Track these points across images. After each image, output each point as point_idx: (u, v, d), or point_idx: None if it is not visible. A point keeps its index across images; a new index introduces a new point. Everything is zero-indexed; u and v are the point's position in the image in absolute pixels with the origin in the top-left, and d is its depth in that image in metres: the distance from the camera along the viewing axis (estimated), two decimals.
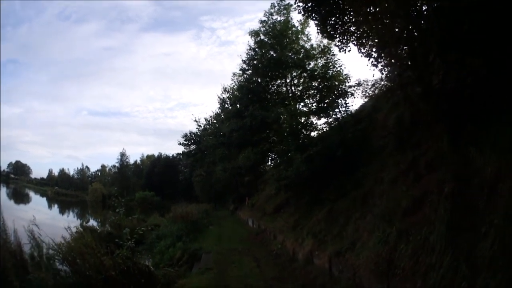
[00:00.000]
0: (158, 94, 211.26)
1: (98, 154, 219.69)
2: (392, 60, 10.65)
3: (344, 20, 17.51)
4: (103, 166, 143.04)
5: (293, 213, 20.20)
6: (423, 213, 8.37)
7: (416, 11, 9.62)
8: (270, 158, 34.84)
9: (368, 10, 15.00)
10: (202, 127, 60.75)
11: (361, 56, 19.47)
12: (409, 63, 9.43)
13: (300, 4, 17.69)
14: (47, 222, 24.24)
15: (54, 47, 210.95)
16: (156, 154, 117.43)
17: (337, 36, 18.15)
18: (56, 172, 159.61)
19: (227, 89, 46.56)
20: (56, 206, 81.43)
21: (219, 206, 56.82)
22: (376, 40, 16.04)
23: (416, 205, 8.87)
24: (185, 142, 63.78)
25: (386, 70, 13.89)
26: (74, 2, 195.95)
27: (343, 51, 18.44)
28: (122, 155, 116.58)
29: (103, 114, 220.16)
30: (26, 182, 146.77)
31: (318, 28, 18.12)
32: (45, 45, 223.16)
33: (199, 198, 65.09)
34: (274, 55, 27.01)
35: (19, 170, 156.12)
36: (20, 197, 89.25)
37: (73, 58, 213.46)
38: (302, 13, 17.88)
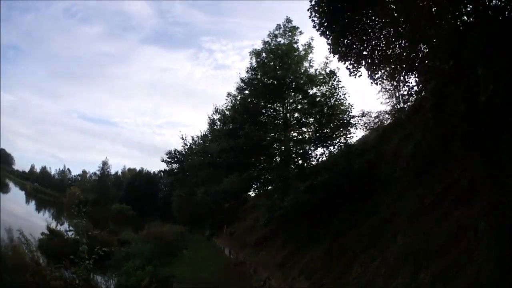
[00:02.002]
0: (149, 109, 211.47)
1: (82, 159, 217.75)
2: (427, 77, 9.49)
3: (361, 42, 16.86)
4: (84, 172, 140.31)
5: (282, 248, 18.71)
6: (458, 251, 7.07)
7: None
8: (256, 186, 33.21)
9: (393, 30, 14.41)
10: (188, 146, 60.51)
11: (372, 83, 18.98)
12: (451, 78, 8.28)
13: (315, 19, 16.96)
14: (23, 216, 23.49)
15: (56, 42, 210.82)
16: (138, 169, 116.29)
17: (350, 58, 17.38)
18: (38, 168, 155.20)
19: (218, 110, 45.84)
20: (33, 202, 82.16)
21: (195, 230, 55.15)
22: (398, 64, 15.53)
23: (449, 243, 7.51)
24: (168, 160, 64.06)
25: (411, 91, 13.07)
26: (81, 1, 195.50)
27: (353, 75, 17.66)
28: (104, 163, 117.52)
29: (92, 120, 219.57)
30: (7, 172, 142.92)
31: (331, 47, 17.28)
32: (48, 38, 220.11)
33: (175, 218, 64.04)
34: (276, 76, 25.97)
35: (3, 158, 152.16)
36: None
37: (73, 57, 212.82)
38: (317, 28, 17.08)
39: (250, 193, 41.52)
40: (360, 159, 16.84)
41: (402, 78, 15.44)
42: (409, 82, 14.94)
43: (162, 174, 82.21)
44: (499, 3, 8.02)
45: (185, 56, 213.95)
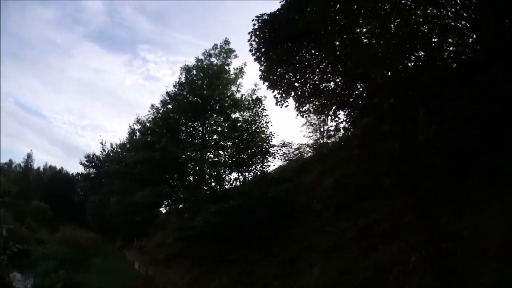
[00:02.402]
0: (76, 108, 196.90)
1: (9, 147, 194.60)
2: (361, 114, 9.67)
3: (294, 73, 17.12)
4: (10, 161, 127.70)
5: (191, 268, 17.94)
6: (388, 285, 6.95)
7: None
8: (168, 203, 32.17)
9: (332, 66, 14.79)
10: (106, 152, 58.27)
11: (298, 114, 19.32)
12: (389, 116, 8.49)
13: (254, 43, 16.96)
14: None
15: (9, 18, 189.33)
16: (58, 167, 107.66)
17: (280, 87, 17.55)
18: None
19: (140, 121, 44.41)
20: None
21: (107, 239, 52.26)
22: (328, 100, 15.92)
23: (377, 276, 7.39)
24: (87, 164, 61.27)
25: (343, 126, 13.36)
26: None
27: (280, 105, 17.86)
28: (29, 156, 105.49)
29: (26, 109, 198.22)
30: None
31: (263, 74, 17.35)
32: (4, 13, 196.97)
33: (89, 225, 60.41)
34: (202, 94, 25.57)
35: None
36: None
37: (20, 36, 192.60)
38: (253, 52, 17.07)
39: (162, 209, 40.39)
40: (276, 187, 16.67)
41: (331, 113, 15.99)
42: (338, 118, 15.51)
43: (79, 177, 76.80)
44: (450, 51, 8.60)
45: (120, 61, 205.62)
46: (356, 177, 11.56)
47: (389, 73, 9.14)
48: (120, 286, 19.41)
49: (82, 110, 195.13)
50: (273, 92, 17.66)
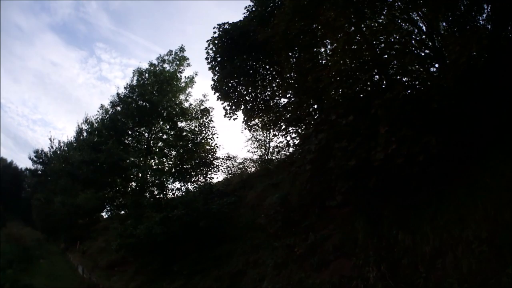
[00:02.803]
0: (31, 100, 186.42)
1: None
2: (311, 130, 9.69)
3: (246, 87, 17.08)
4: None
5: (134, 276, 17.48)
6: None
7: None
8: (110, 208, 30.94)
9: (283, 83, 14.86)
10: (54, 150, 55.57)
11: (246, 128, 19.26)
12: (345, 133, 8.56)
13: (211, 51, 16.81)
14: None
15: None
16: (9, 160, 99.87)
17: (230, 99, 17.47)
18: None
19: (88, 120, 42.86)
20: None
21: (51, 240, 49.43)
22: (279, 116, 15.97)
23: None
24: (35, 159, 59.29)
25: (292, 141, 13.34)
26: None
27: (229, 117, 17.81)
28: None
29: None
30: None
31: (215, 84, 17.22)
32: None
33: (34, 223, 56.73)
34: (151, 99, 24.98)
35: None
36: None
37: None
38: (209, 60, 16.92)
39: (104, 214, 38.99)
40: (220, 200, 16.43)
41: (282, 128, 16.07)
42: (289, 133, 15.60)
43: (27, 172, 73.90)
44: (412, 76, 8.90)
45: (76, 57, 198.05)
46: (303, 193, 11.50)
47: (349, 91, 9.28)
48: None
49: (35, 103, 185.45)
50: (223, 103, 17.62)
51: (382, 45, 9.74)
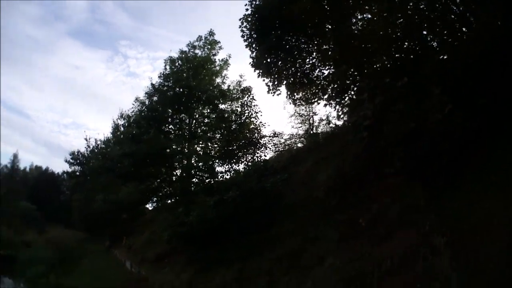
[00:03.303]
0: (59, 106, 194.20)
1: None
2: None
3: (285, 61, 16.77)
4: None
5: (186, 267, 17.18)
6: (414, 271, 6.75)
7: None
8: (155, 199, 31.29)
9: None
10: (91, 149, 56.37)
11: (290, 103, 19.12)
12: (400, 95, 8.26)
13: (245, 29, 16.55)
14: None
15: None
16: (44, 167, 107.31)
17: (271, 75, 17.22)
18: None
19: (124, 115, 43.56)
20: None
21: (95, 238, 51.08)
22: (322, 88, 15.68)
23: (404, 263, 7.15)
24: (71, 161, 58.51)
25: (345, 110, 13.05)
26: None
27: (272, 93, 17.56)
28: (15, 156, 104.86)
29: (9, 108, 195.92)
30: None
31: (254, 61, 16.95)
32: None
33: (76, 224, 59.04)
34: (188, 84, 25.05)
35: None
36: None
37: (5, 36, 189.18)
38: (245, 38, 16.69)
39: (148, 206, 39.55)
40: (273, 177, 16.11)
41: (325, 98, 15.74)
42: (335, 103, 15.25)
43: (65, 175, 74.15)
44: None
45: (101, 57, 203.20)
46: (358, 163, 11.27)
47: (396, 55, 8.96)
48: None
49: (65, 108, 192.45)
50: (264, 80, 17.38)
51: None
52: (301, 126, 23.36)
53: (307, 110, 22.31)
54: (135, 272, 23.78)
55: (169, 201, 28.51)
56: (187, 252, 18.40)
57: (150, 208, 41.24)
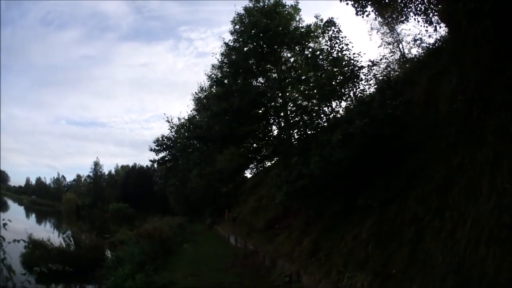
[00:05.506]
0: (135, 105, 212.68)
1: (75, 164, 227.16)
2: None
3: None
4: (78, 176, 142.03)
5: (305, 231, 15.61)
6: None
7: None
8: (257, 161, 31.20)
9: None
10: (175, 128, 57.60)
11: (381, 24, 18.13)
12: None
13: None
14: (23, 231, 21.54)
15: (35, 52, 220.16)
16: (130, 165, 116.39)
17: None
18: (33, 180, 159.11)
19: (204, 89, 43.83)
20: (33, 215, 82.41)
21: (195, 219, 53.53)
22: None
23: None
24: (157, 148, 59.67)
25: None
26: (56, 7, 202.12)
27: (360, 14, 17.14)
28: (96, 164, 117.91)
29: (80, 124, 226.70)
30: (4, 190, 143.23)
31: None
32: (26, 48, 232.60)
33: (174, 210, 63.39)
34: (267, 28, 24.66)
35: None
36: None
37: (53, 64, 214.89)
38: None
39: (246, 173, 40.04)
40: (394, 101, 13.81)
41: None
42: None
43: (155, 166, 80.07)
44: None
45: (165, 49, 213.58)
46: (482, 65, 8.92)
47: None
48: (216, 272, 17.23)
49: (141, 105, 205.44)
50: (347, 4, 16.68)
51: None
52: (393, 48, 22.41)
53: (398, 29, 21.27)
54: (241, 247, 23.13)
55: (273, 160, 28.15)
56: (304, 211, 16.90)
57: (249, 176, 41.35)
